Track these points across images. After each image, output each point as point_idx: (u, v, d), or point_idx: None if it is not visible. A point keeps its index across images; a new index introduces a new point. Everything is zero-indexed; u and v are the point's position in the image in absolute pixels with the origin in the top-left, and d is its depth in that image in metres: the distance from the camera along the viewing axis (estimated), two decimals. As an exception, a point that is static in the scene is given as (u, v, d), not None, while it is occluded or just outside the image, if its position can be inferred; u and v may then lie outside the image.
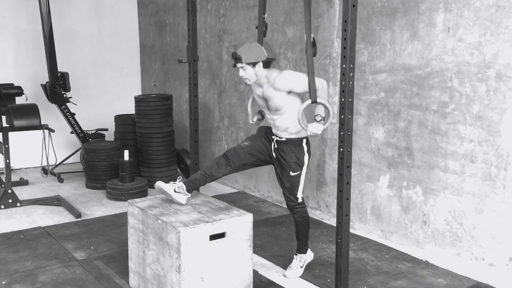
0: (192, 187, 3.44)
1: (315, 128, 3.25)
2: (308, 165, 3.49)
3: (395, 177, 4.10)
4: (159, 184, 3.41)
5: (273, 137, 3.51)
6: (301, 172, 3.45)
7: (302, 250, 3.67)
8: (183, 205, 3.33)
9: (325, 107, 3.25)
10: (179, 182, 3.39)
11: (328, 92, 3.45)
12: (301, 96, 3.40)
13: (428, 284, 3.51)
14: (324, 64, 4.60)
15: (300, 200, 3.50)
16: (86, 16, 7.06)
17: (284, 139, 3.44)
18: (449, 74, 3.64)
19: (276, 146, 3.49)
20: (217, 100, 6.03)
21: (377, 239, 4.27)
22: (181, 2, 6.42)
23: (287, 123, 3.39)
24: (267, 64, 3.34)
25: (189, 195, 3.43)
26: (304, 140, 3.45)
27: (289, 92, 3.32)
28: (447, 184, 3.73)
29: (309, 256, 3.72)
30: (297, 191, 3.49)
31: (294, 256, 3.69)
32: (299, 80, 3.27)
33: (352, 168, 4.22)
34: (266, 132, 3.57)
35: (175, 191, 3.35)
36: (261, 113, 3.70)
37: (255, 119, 3.72)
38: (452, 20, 3.59)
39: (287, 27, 4.92)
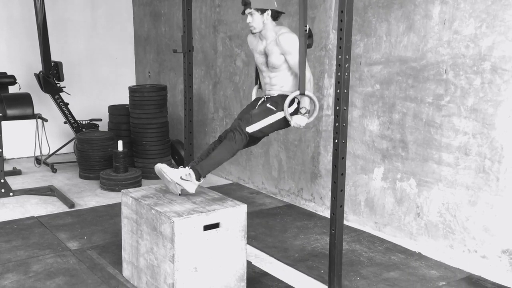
0: (200, 175, 3.23)
1: (299, 120, 3.27)
2: (282, 118, 3.30)
3: (389, 169, 4.11)
4: (162, 167, 3.21)
5: (264, 97, 3.45)
6: (274, 114, 3.29)
7: (196, 171, 3.22)
8: (193, 193, 3.22)
9: (312, 100, 3.27)
10: (188, 168, 3.23)
11: (313, 85, 3.42)
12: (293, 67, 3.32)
13: (421, 275, 3.52)
14: (320, 55, 4.59)
15: (245, 131, 3.25)
16: (80, 5, 7.00)
17: (275, 94, 3.40)
18: (445, 66, 3.64)
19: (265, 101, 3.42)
20: (212, 91, 6.01)
21: (371, 231, 4.28)
22: (176, -8, 6.38)
23: (283, 81, 3.37)
24: (275, 15, 3.33)
25: (199, 182, 3.24)
26: (296, 100, 3.35)
27: (283, 56, 3.28)
28: (441, 176, 3.74)
29: (193, 184, 3.23)
30: (254, 124, 3.26)
31: (186, 167, 3.27)
32: (296, 52, 3.23)
33: (347, 160, 4.22)
34: (256, 100, 3.53)
35: (181, 178, 3.20)
36: None
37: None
38: (448, 12, 3.58)
39: (283, 18, 4.89)
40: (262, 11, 3.29)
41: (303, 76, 3.19)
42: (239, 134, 3.26)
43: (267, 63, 3.38)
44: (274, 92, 3.41)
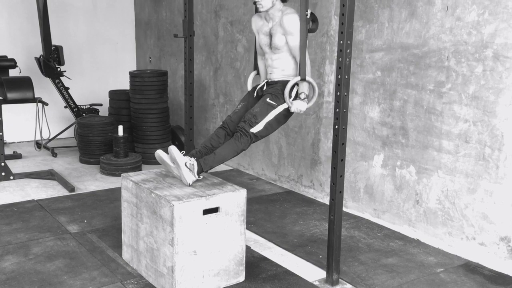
0: (203, 168, 3.22)
1: (300, 105, 3.27)
2: (286, 109, 3.31)
3: (389, 156, 4.11)
4: (171, 149, 3.18)
5: (264, 82, 3.45)
6: (275, 108, 3.30)
7: (200, 165, 3.20)
8: (188, 185, 3.17)
9: (312, 86, 3.28)
10: (193, 159, 3.20)
11: (310, 71, 3.39)
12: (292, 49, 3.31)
13: (419, 262, 3.54)
14: (321, 42, 4.57)
15: (250, 133, 3.26)
16: (81, -11, 6.97)
17: (276, 80, 3.39)
18: (446, 53, 3.63)
19: (264, 88, 3.42)
20: (213, 77, 5.99)
21: (370, 217, 4.29)
22: (178, -24, 6.34)
23: (285, 64, 3.36)
24: None
25: (200, 177, 3.24)
26: (296, 87, 3.35)
27: (285, 38, 3.27)
28: (440, 163, 3.74)
29: (193, 176, 3.19)
30: (258, 122, 3.27)
31: (192, 158, 3.24)
32: (297, 36, 3.22)
33: (347, 147, 4.22)
34: (254, 89, 3.53)
35: (186, 165, 3.17)
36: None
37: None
38: (451, -1, 3.56)
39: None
40: None
41: (304, 61, 3.19)
42: (244, 136, 3.27)
43: (270, 44, 3.36)
44: (275, 76, 3.40)
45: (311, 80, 3.26)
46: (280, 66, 3.37)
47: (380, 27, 4.05)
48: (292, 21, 3.23)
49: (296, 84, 3.31)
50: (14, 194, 4.74)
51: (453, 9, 3.55)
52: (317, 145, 4.76)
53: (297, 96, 3.32)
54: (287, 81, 3.33)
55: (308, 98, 3.30)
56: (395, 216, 4.11)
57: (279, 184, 5.21)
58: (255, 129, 3.29)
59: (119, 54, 7.41)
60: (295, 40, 3.24)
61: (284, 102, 3.31)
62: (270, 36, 3.35)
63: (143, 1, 7.21)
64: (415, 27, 3.80)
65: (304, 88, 3.28)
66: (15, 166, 5.56)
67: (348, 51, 2.95)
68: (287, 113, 3.38)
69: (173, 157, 3.19)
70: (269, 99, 3.32)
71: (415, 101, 3.87)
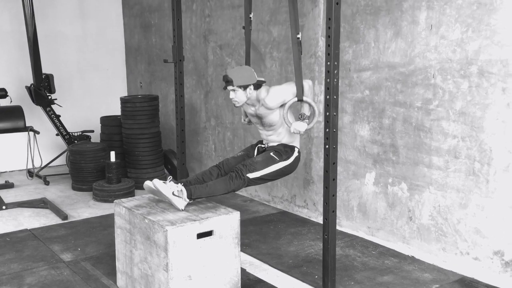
0: (192, 194, 3.22)
1: (299, 126, 3.30)
2: (286, 166, 3.40)
3: (380, 174, 4.14)
4: (154, 182, 3.23)
5: (264, 143, 3.54)
6: (277, 163, 3.36)
7: (189, 190, 3.22)
8: (181, 210, 3.19)
9: (311, 106, 3.30)
10: (181, 185, 3.23)
11: (313, 91, 3.45)
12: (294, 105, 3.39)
13: (414, 279, 3.54)
14: (310, 63, 4.63)
15: (245, 176, 3.30)
16: (71, 17, 7.02)
17: (276, 144, 3.48)
18: (432, 71, 3.69)
19: (266, 148, 3.50)
20: (204, 101, 6.04)
21: (364, 235, 4.30)
22: (166, 3, 6.41)
23: (280, 136, 3.44)
24: (257, 86, 3.36)
25: (189, 201, 3.24)
26: (296, 149, 3.46)
27: (282, 105, 3.34)
28: (431, 179, 3.77)
29: (183, 201, 3.20)
30: (257, 170, 3.32)
31: (180, 184, 3.26)
32: (287, 91, 3.31)
33: (338, 165, 4.24)
34: (257, 145, 3.60)
35: (173, 194, 3.19)
36: None
37: (247, 120, 3.72)
38: (435, 18, 3.64)
39: (273, 26, 4.94)
40: (245, 87, 3.32)
41: (300, 82, 3.25)
42: (239, 179, 3.31)
43: (262, 123, 3.45)
44: (273, 143, 3.48)
45: (309, 100, 3.29)
46: (276, 139, 3.45)
47: (367, 47, 4.12)
48: (276, 96, 3.31)
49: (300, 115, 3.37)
50: (7, 223, 4.71)
51: (437, 28, 3.63)
52: (309, 164, 4.78)
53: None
54: (288, 144, 3.43)
55: (308, 119, 3.33)
56: (389, 234, 4.12)
57: (273, 204, 5.22)
58: (252, 175, 3.33)
59: (110, 80, 7.44)
60: (291, 94, 3.29)
61: (287, 159, 3.39)
62: (259, 117, 3.42)
63: (133, 27, 7.28)
64: (401, 46, 3.87)
65: (304, 109, 3.33)
66: (7, 195, 5.53)
67: (335, 72, 3.00)
68: (286, 171, 3.44)
69: (158, 190, 3.20)
70: (273, 154, 3.39)
71: (403, 119, 3.92)
